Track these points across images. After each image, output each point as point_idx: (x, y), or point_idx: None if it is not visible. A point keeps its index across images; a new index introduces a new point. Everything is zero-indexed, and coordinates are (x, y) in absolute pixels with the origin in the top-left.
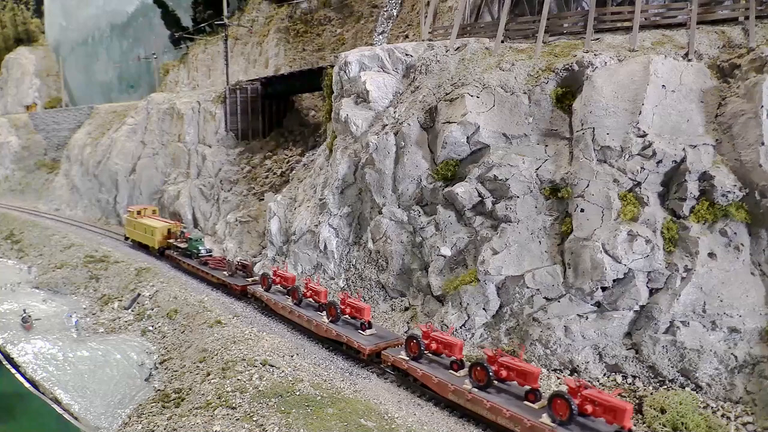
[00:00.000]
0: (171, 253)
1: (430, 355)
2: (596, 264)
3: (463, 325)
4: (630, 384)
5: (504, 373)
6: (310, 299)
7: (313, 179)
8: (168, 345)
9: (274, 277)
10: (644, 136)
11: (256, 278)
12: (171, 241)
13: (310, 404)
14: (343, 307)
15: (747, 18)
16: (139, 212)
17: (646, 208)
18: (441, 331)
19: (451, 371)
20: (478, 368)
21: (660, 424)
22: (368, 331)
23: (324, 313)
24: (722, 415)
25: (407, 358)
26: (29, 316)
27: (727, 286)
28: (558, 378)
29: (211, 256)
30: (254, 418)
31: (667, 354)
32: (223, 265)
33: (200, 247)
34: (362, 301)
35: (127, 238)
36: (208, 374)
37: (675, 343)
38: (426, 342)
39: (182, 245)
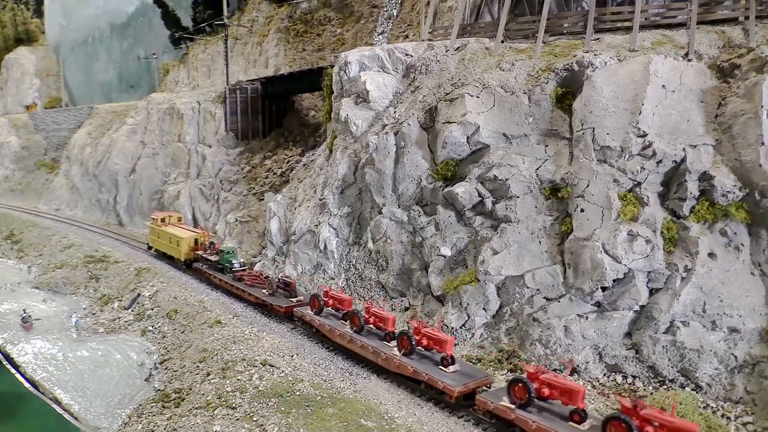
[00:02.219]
0: (199, 266)
1: (539, 401)
2: (596, 264)
3: (463, 325)
4: (630, 384)
5: (650, 430)
6: (372, 326)
7: (313, 179)
8: (168, 345)
9: (325, 299)
10: (644, 136)
11: (301, 298)
12: (199, 252)
13: (310, 404)
14: (418, 337)
15: (747, 18)
16: (163, 220)
17: (646, 208)
18: (554, 373)
19: (572, 423)
20: (616, 423)
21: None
22: (451, 368)
23: (393, 343)
24: (722, 415)
25: (512, 406)
26: (29, 316)
27: (727, 286)
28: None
29: (244, 270)
30: (254, 418)
31: (667, 354)
32: (261, 281)
33: (233, 261)
34: (442, 331)
35: (150, 248)
36: (208, 374)
37: (675, 343)
38: (535, 386)
39: (212, 258)
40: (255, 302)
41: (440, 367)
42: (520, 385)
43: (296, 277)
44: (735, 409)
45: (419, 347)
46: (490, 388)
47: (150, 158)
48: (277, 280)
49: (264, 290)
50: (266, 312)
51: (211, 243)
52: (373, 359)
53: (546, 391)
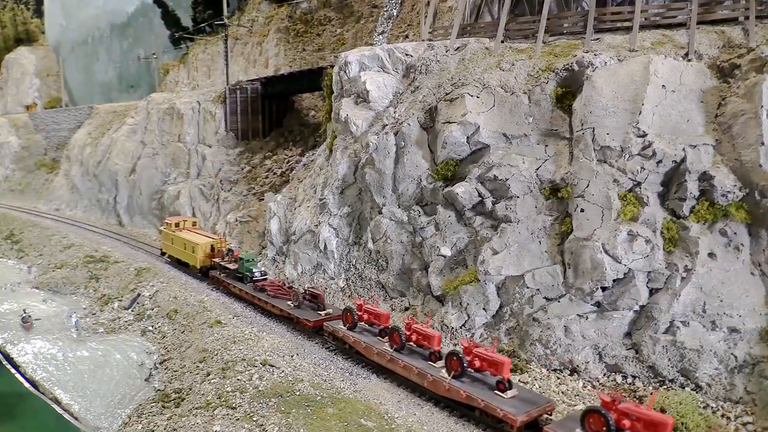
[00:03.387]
0: (217, 274)
1: None
2: (596, 264)
3: (463, 325)
4: (630, 384)
5: None
6: (413, 344)
7: (313, 179)
8: (168, 345)
9: (360, 313)
10: (644, 136)
11: (330, 311)
12: (217, 260)
13: (310, 404)
14: (469, 358)
15: (747, 18)
16: (177, 224)
17: (646, 208)
18: (633, 402)
19: None
20: None
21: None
22: (509, 393)
23: (440, 364)
24: (722, 415)
25: None
26: (29, 316)
27: (727, 286)
28: (558, 378)
29: (266, 279)
30: (254, 418)
31: (667, 354)
32: (285, 292)
33: (254, 269)
34: (497, 352)
35: (163, 253)
36: (208, 374)
37: (675, 343)
38: (614, 416)
39: (231, 266)
40: (279, 315)
41: (496, 391)
42: (596, 416)
43: (296, 278)
44: (735, 409)
45: (470, 369)
46: (551, 414)
47: (150, 158)
48: (303, 291)
49: (289, 302)
50: (293, 325)
51: (230, 250)
52: (417, 381)
53: (626, 423)
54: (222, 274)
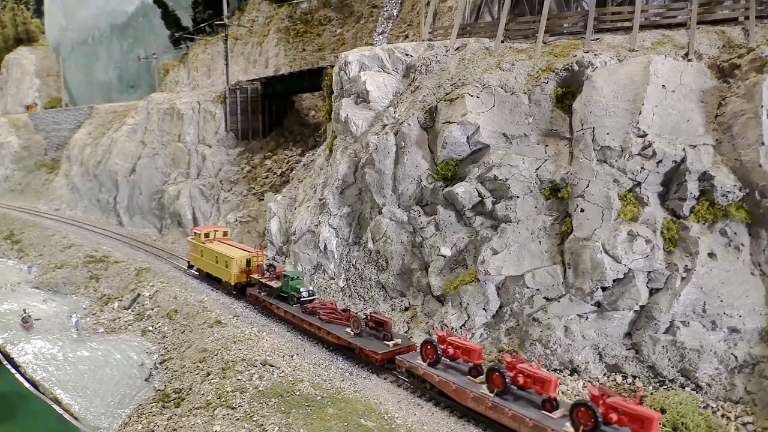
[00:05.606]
0: (256, 292)
1: None
2: (596, 264)
3: (463, 325)
4: (630, 384)
5: None
6: (515, 386)
7: (313, 179)
8: (168, 345)
9: (444, 347)
10: (644, 136)
11: (398, 341)
12: (255, 276)
13: (310, 404)
14: (603, 410)
15: (747, 18)
16: (207, 235)
17: (646, 208)
18: None
19: None
20: None
21: (660, 424)
22: None
23: (557, 414)
24: (722, 415)
25: None
26: (29, 316)
27: (727, 286)
28: (558, 378)
29: (314, 300)
30: (254, 418)
31: (667, 354)
32: (340, 316)
33: (301, 289)
34: (641, 404)
35: (191, 266)
36: (208, 374)
37: (675, 343)
38: None
39: (272, 284)
40: (336, 344)
41: None
42: None
43: None
44: (735, 409)
45: (606, 425)
46: None
47: (150, 158)
48: (365, 316)
49: (347, 329)
50: (354, 356)
51: (270, 265)
52: None
53: None
54: (262, 293)
